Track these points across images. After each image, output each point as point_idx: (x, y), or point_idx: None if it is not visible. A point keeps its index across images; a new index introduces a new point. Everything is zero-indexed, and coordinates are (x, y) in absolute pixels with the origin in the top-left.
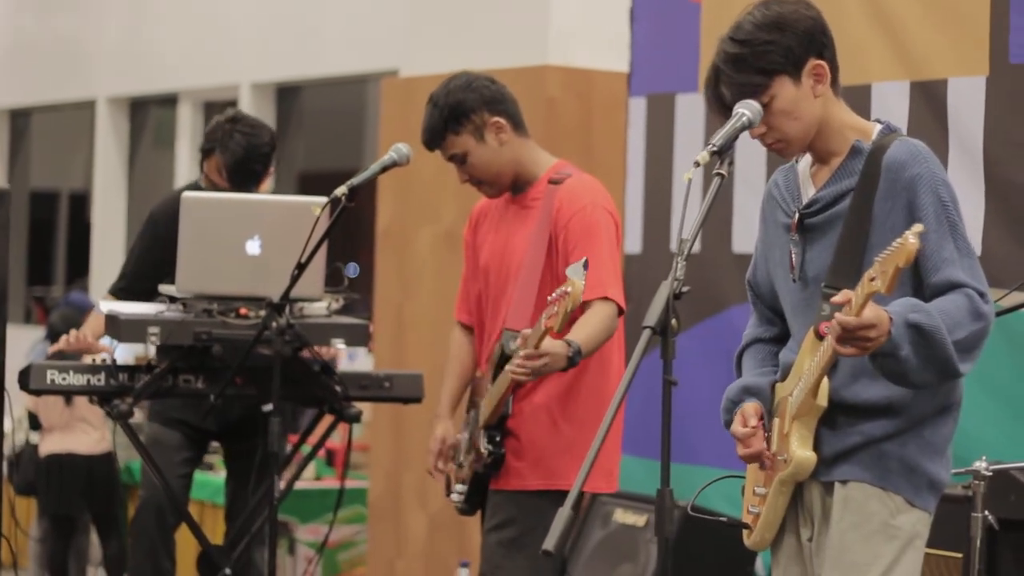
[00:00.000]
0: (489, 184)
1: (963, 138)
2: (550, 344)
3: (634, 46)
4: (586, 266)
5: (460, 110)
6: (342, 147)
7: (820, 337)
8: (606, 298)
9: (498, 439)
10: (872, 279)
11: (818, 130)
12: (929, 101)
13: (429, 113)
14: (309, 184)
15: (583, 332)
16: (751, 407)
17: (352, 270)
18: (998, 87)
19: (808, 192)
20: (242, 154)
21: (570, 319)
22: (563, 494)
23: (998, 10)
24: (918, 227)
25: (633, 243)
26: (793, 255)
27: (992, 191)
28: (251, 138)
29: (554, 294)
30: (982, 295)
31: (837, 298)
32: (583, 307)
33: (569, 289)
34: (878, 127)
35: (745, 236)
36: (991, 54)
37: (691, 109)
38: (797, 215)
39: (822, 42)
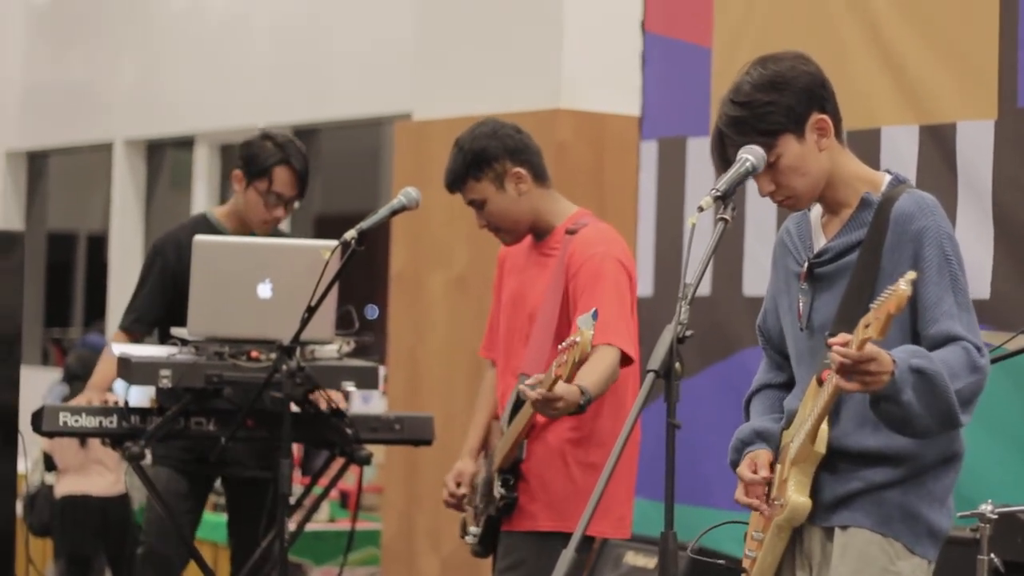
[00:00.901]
0: (506, 232)
1: (972, 181)
2: (564, 388)
3: (645, 90)
4: (595, 316)
5: (483, 157)
6: (358, 189)
7: (821, 384)
8: (609, 344)
9: (511, 483)
10: (866, 325)
11: (827, 182)
12: (938, 145)
13: (453, 156)
14: (325, 226)
15: (591, 378)
16: (764, 455)
17: (371, 312)
18: (1007, 131)
19: (819, 241)
20: (305, 161)
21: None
22: (568, 537)
23: (1006, 54)
24: (911, 275)
25: (644, 286)
26: (801, 303)
27: (1001, 234)
28: (302, 145)
29: (564, 343)
30: (979, 349)
31: (835, 340)
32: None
33: (578, 339)
34: (887, 178)
35: (756, 279)
36: (999, 98)
37: (702, 153)
38: (807, 264)
39: (822, 96)
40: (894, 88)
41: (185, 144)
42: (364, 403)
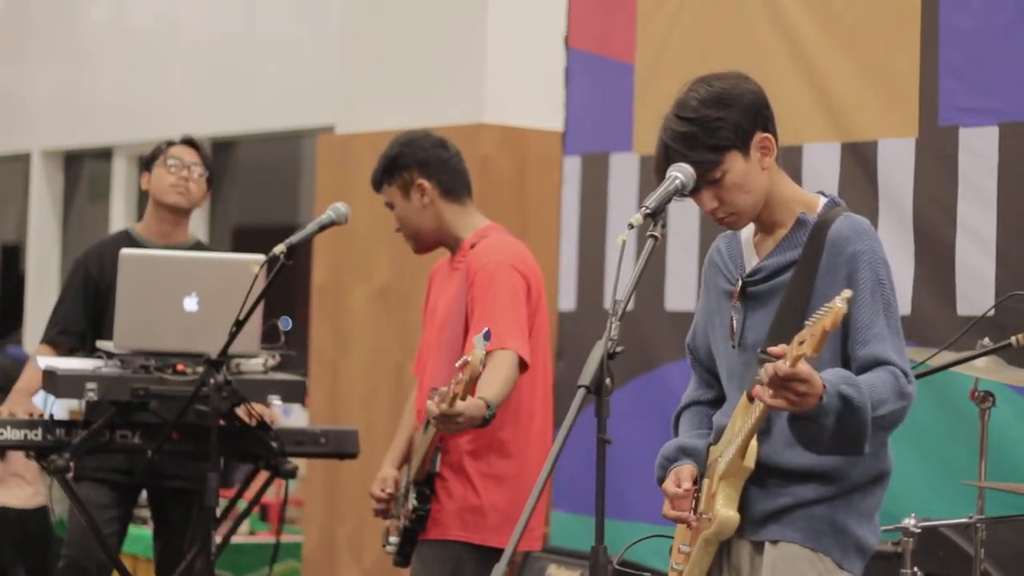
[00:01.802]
0: (409, 238)
1: (893, 199)
2: (464, 403)
3: (569, 105)
4: (488, 336)
5: (393, 163)
6: (276, 202)
7: (752, 400)
8: (505, 348)
9: (427, 495)
10: (801, 342)
11: (765, 202)
12: (859, 162)
13: (378, 158)
14: (243, 238)
15: (492, 388)
16: (687, 469)
17: (285, 323)
18: (927, 148)
19: (751, 261)
20: (201, 142)
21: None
22: (481, 549)
23: (927, 73)
24: (847, 293)
25: (567, 300)
26: (734, 321)
27: (922, 251)
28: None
29: (459, 362)
30: (907, 375)
31: (775, 350)
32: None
33: (470, 358)
34: (823, 200)
35: (678, 295)
36: (920, 116)
37: (625, 168)
38: (740, 283)
39: (766, 115)
40: (816, 105)
41: (104, 155)
42: (285, 416)
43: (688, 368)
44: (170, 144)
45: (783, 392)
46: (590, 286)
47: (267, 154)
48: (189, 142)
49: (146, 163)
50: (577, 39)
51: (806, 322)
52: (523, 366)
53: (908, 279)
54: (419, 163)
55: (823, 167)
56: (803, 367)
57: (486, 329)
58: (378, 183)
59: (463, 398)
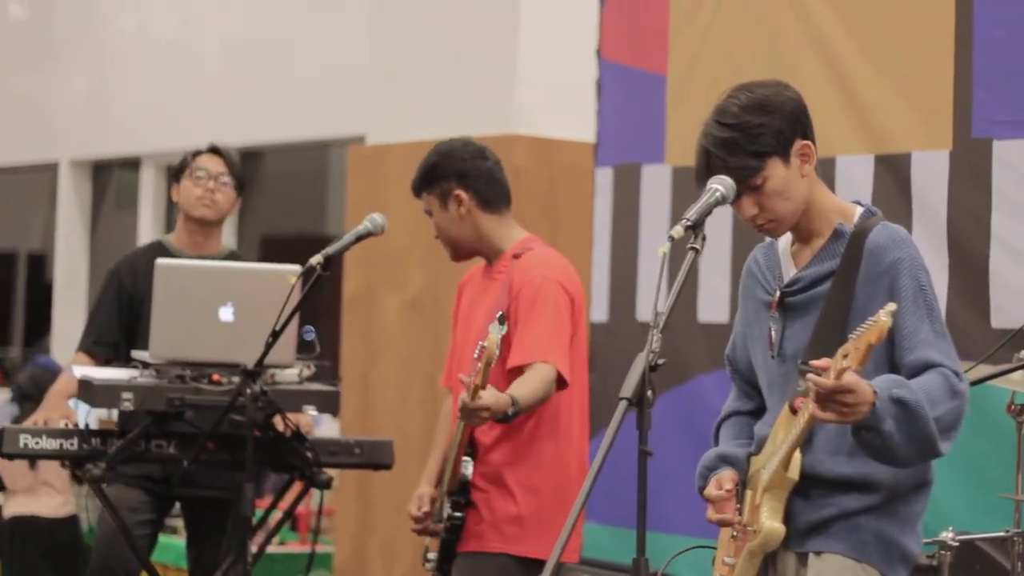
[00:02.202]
0: (447, 247)
1: (927, 211)
2: (491, 396)
3: (600, 117)
4: (502, 320)
5: (432, 172)
6: (304, 212)
7: (795, 412)
8: (545, 362)
9: (461, 503)
10: (845, 355)
11: (803, 211)
12: (893, 174)
13: (419, 165)
14: (271, 248)
15: (523, 388)
16: (727, 474)
17: (308, 333)
18: (961, 161)
19: (789, 271)
20: (231, 152)
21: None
22: (520, 561)
23: (961, 85)
24: (891, 306)
25: (599, 312)
26: (773, 332)
27: (956, 263)
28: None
29: (476, 351)
30: (957, 375)
31: (817, 363)
32: (522, 370)
33: (485, 343)
34: (859, 210)
35: (710, 306)
36: (954, 128)
37: (657, 179)
38: (778, 293)
39: (805, 123)
40: (849, 117)
41: (131, 165)
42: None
43: (720, 379)
44: (196, 154)
45: (831, 405)
46: (622, 298)
47: (294, 164)
48: (215, 150)
49: (175, 174)
50: (609, 50)
51: (850, 335)
52: (561, 383)
53: (942, 291)
54: (457, 173)
55: (856, 179)
56: (848, 377)
57: (500, 313)
58: (417, 191)
59: (483, 385)
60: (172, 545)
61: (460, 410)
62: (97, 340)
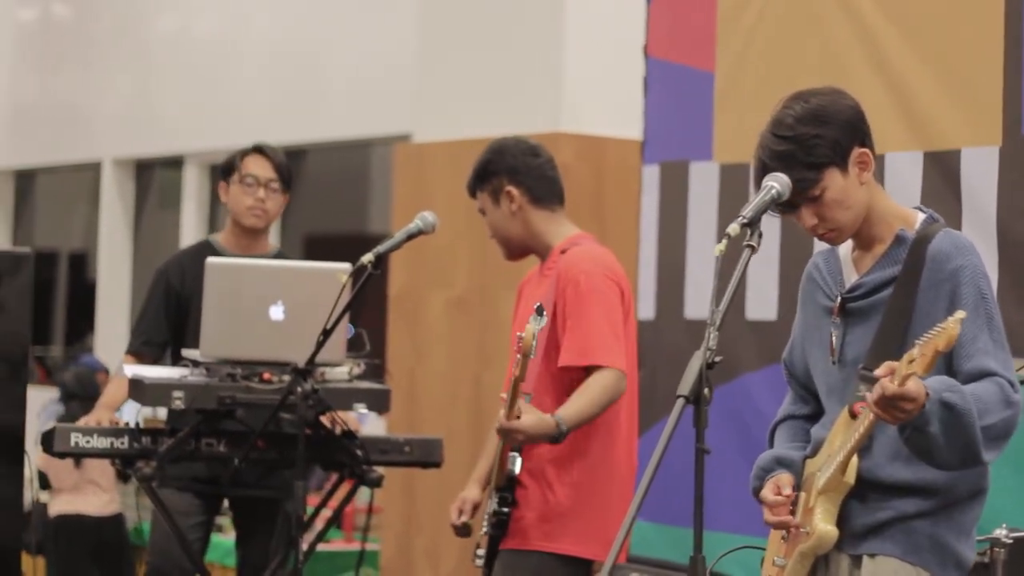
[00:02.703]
0: (500, 244)
1: (976, 208)
2: (530, 421)
3: (647, 114)
4: (540, 311)
5: (484, 170)
6: (347, 210)
7: (854, 416)
8: (600, 366)
9: (508, 499)
10: (911, 360)
11: (864, 217)
12: (942, 171)
13: (473, 164)
14: (314, 246)
15: (573, 406)
16: (786, 477)
17: (348, 331)
18: (1011, 157)
19: (850, 276)
20: (278, 151)
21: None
22: (562, 559)
23: (1011, 81)
24: (960, 314)
25: (646, 309)
26: (834, 337)
27: (1006, 260)
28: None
29: (516, 344)
30: (1012, 385)
31: (880, 370)
32: (582, 374)
33: (522, 334)
34: (921, 216)
35: (759, 304)
36: (1004, 124)
37: (704, 177)
38: (840, 299)
39: (863, 130)
40: (898, 114)
41: (174, 164)
42: (360, 424)
43: (768, 377)
44: (244, 154)
45: (890, 410)
46: (669, 295)
47: (337, 163)
48: (263, 151)
49: (223, 173)
50: (656, 47)
51: (916, 341)
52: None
53: (992, 288)
54: (508, 170)
55: (906, 176)
56: (911, 385)
57: (538, 304)
58: (472, 189)
59: (522, 378)
60: (218, 543)
61: (497, 430)
62: (146, 341)
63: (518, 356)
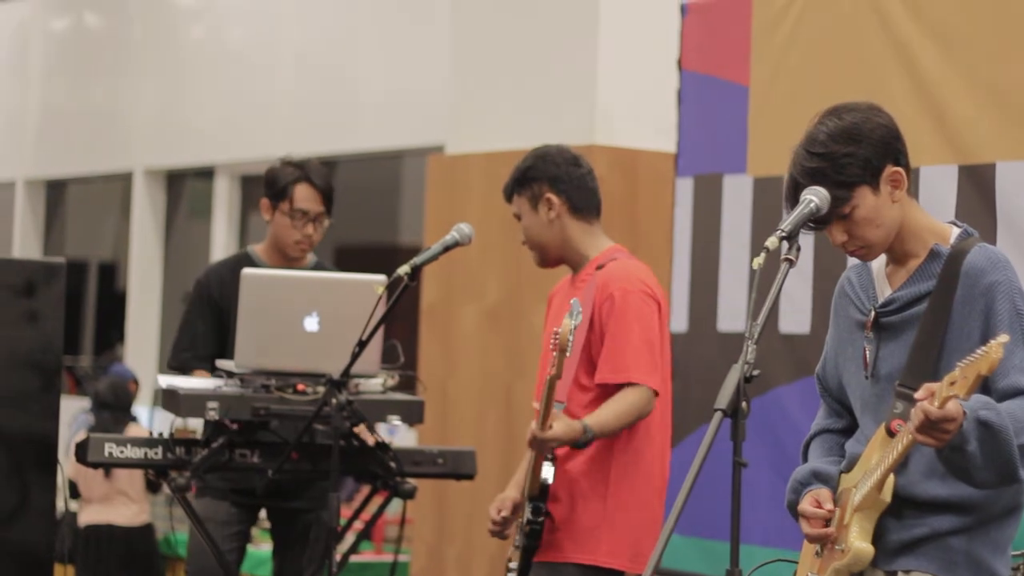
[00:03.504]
0: (533, 250)
1: (1011, 222)
2: (560, 427)
3: (681, 127)
4: (576, 308)
5: (525, 175)
6: (379, 222)
7: (891, 434)
8: (631, 383)
9: (541, 507)
10: (952, 383)
11: (897, 233)
12: (977, 185)
13: (513, 168)
14: (345, 258)
15: (602, 415)
16: (825, 492)
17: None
18: None
19: (884, 291)
20: (325, 176)
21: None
22: (595, 570)
23: None
24: (1004, 338)
25: (679, 322)
26: (867, 352)
27: None
28: (319, 164)
29: (552, 342)
30: None
31: (920, 393)
32: (616, 389)
33: (558, 330)
34: (956, 231)
35: (791, 318)
36: None
37: (738, 190)
38: (873, 314)
39: (897, 148)
40: (933, 127)
41: (205, 174)
42: (392, 436)
43: (800, 390)
44: (294, 182)
45: (933, 433)
46: (702, 308)
47: (368, 174)
48: (312, 182)
49: (270, 195)
50: (690, 60)
51: (957, 363)
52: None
53: None
54: (550, 177)
55: (940, 190)
56: (952, 407)
57: (574, 300)
58: (509, 193)
59: (559, 375)
60: (250, 554)
61: (529, 442)
62: (195, 355)
63: (554, 354)
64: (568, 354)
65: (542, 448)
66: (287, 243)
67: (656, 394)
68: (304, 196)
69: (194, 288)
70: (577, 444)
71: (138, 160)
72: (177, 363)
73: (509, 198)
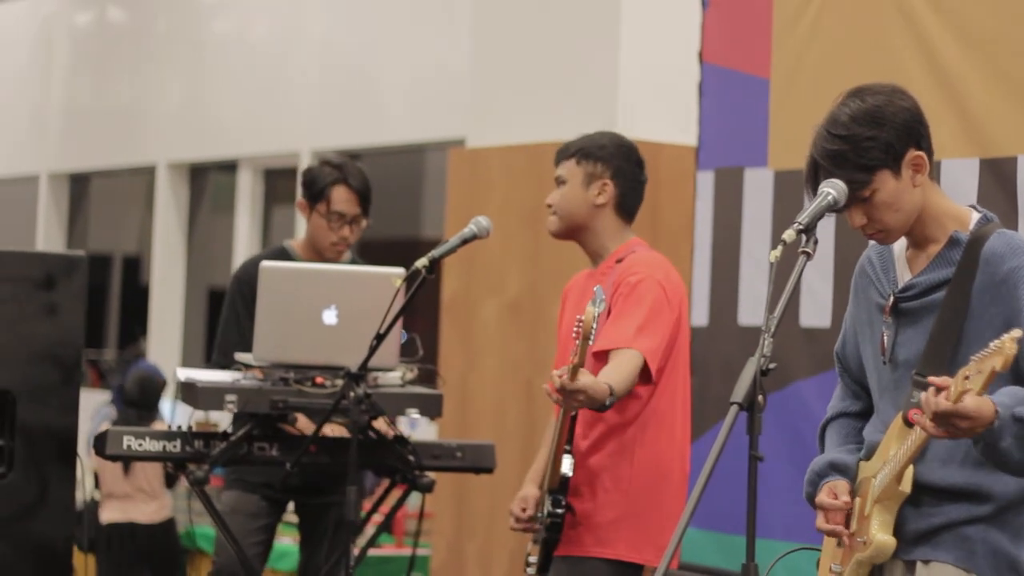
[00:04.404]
0: (559, 218)
1: None
2: (588, 381)
3: (702, 120)
4: (600, 295)
5: (598, 152)
6: (401, 215)
7: (909, 424)
8: (632, 348)
9: (561, 500)
10: (966, 377)
11: (917, 217)
12: (998, 178)
13: (587, 135)
14: (367, 252)
15: (615, 375)
16: (843, 484)
17: (401, 337)
18: None
19: (904, 275)
20: (363, 178)
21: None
22: (616, 564)
23: None
24: (1017, 332)
25: (699, 316)
26: (885, 337)
27: None
28: (359, 164)
29: (574, 329)
30: None
31: (936, 380)
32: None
33: (582, 317)
34: (975, 216)
35: (812, 311)
36: None
37: (759, 183)
38: (892, 298)
39: (919, 132)
40: (955, 120)
41: (229, 168)
42: (410, 429)
43: (821, 384)
44: (332, 183)
45: (945, 425)
46: (723, 302)
47: (391, 167)
48: (350, 184)
49: (308, 194)
50: (711, 54)
51: (972, 357)
52: (646, 376)
53: None
54: (617, 167)
55: (962, 183)
56: (967, 403)
57: (598, 287)
58: (567, 155)
59: (582, 363)
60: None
61: (558, 390)
62: (246, 350)
63: (576, 342)
64: (591, 342)
65: (569, 401)
66: (323, 245)
67: (647, 375)
68: (341, 198)
69: (231, 285)
70: (601, 407)
71: (161, 154)
72: (222, 364)
73: (564, 158)
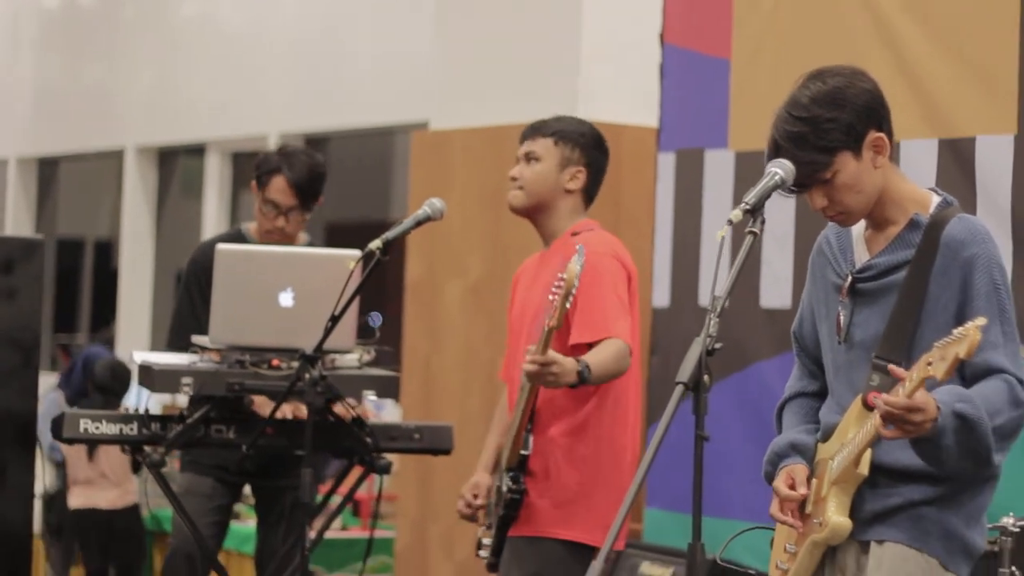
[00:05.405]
0: (525, 194)
1: (991, 196)
2: (558, 356)
3: (663, 101)
4: (581, 251)
5: (580, 139)
6: (369, 198)
7: (868, 407)
8: (611, 337)
9: (519, 477)
10: (929, 363)
11: (877, 199)
12: (957, 159)
13: (558, 116)
14: (336, 234)
15: (595, 358)
16: (801, 470)
17: (375, 319)
18: None
19: (861, 256)
20: (306, 172)
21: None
22: (570, 545)
23: None
24: (981, 320)
25: (661, 297)
26: (841, 316)
27: (1020, 249)
28: (313, 157)
29: (553, 289)
30: (1021, 383)
31: (896, 371)
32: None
33: (564, 275)
34: (936, 199)
35: (773, 292)
36: (1019, 112)
37: (720, 165)
38: (850, 278)
39: (880, 114)
40: (913, 102)
41: (197, 151)
42: (377, 412)
43: (782, 365)
44: (270, 172)
45: (900, 424)
46: (684, 282)
47: (359, 150)
48: (286, 175)
49: (256, 177)
50: (673, 35)
51: (935, 344)
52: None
53: (1006, 277)
54: (593, 160)
55: (921, 164)
56: (919, 398)
57: (580, 246)
58: (546, 132)
59: (559, 323)
60: (235, 531)
61: (528, 374)
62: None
63: (555, 303)
64: (568, 304)
65: (542, 375)
66: (260, 229)
67: (631, 352)
68: (277, 188)
69: (187, 268)
70: (573, 384)
71: (130, 137)
72: (177, 347)
73: (540, 135)
